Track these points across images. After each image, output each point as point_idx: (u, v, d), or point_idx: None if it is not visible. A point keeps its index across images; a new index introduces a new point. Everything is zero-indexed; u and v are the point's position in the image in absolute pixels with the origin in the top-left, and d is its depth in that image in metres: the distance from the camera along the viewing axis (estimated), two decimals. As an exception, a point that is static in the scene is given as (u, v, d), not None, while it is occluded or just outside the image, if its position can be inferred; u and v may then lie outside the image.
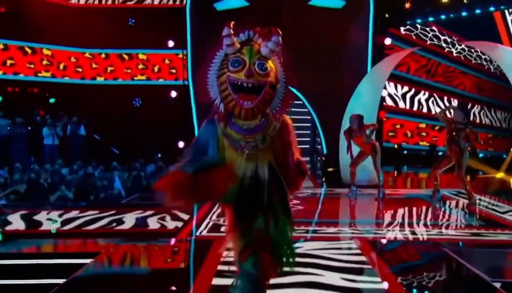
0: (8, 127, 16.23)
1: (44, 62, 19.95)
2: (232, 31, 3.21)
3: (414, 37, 19.21)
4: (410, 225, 9.58)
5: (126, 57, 21.05)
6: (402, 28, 19.26)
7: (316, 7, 17.23)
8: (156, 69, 21.09)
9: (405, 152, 19.84)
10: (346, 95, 14.51)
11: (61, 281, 5.61)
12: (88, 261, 6.48)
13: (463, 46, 18.72)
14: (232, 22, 3.31)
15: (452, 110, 12.22)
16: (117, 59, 21.06)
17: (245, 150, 3.22)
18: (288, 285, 4.87)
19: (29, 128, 16.71)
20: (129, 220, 9.37)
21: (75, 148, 16.99)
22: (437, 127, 19.70)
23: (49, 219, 9.58)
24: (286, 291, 4.87)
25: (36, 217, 9.58)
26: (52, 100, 18.98)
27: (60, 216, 9.74)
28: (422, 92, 20.04)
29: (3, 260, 6.68)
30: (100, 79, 20.90)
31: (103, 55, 20.85)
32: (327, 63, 16.22)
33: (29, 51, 19.75)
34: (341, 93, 14.78)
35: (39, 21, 19.20)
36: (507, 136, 19.94)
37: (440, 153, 17.55)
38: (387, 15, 18.33)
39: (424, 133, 20.32)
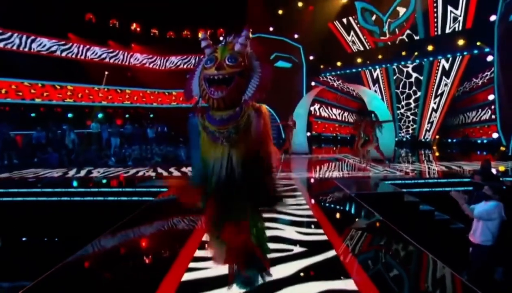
0: (132, 129, 15.59)
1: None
2: (207, 36, 2.02)
3: (335, 85, 18.63)
4: (321, 172, 9.15)
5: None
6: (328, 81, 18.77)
7: (278, 67, 16.79)
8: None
9: (323, 137, 19.14)
10: (292, 108, 13.52)
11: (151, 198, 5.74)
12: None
13: (339, 82, 18.28)
14: (209, 30, 2.29)
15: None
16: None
17: (219, 141, 1.91)
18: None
19: (141, 129, 15.91)
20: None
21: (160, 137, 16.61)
22: (337, 125, 19.52)
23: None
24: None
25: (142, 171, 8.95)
26: (152, 116, 18.76)
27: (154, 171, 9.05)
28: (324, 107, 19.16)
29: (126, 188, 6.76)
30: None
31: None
32: (284, 93, 14.78)
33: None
34: (289, 107, 13.74)
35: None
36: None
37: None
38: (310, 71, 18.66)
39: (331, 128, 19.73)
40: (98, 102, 17.40)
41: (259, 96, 1.96)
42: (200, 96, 1.98)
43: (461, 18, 13.65)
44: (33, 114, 14.65)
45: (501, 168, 8.79)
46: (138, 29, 18.78)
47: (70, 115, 15.77)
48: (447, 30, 14.22)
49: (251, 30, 1.94)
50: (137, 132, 16.04)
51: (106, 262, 3.51)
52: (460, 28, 13.72)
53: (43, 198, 6.36)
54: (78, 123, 15.00)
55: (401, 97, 16.56)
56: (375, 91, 17.11)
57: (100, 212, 5.65)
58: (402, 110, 16.70)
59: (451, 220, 5.75)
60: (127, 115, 17.62)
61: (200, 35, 2.41)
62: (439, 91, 15.32)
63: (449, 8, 13.89)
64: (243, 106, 1.94)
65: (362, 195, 5.96)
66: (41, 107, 15.51)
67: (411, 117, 16.54)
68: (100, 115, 16.02)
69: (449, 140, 15.35)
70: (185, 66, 19.87)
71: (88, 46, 17.05)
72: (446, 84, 14.98)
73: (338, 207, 5.63)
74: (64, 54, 16.39)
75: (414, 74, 15.72)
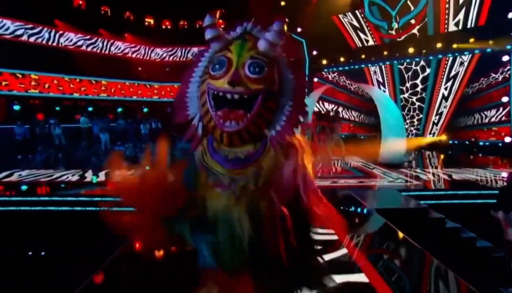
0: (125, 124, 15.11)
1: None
2: (216, 20, 1.28)
3: (329, 78, 18.16)
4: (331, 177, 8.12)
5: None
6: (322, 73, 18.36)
7: None
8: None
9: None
10: None
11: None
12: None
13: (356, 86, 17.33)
14: (218, 11, 0.95)
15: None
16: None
17: (230, 192, 1.22)
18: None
19: (134, 124, 15.42)
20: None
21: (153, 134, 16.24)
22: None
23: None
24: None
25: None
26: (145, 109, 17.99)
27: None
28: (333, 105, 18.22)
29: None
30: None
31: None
32: None
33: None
34: None
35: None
36: (361, 126, 17.70)
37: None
38: (313, 66, 18.27)
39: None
40: (69, 94, 15.63)
41: (292, 130, 1.30)
42: (200, 120, 1.29)
43: (474, 15, 13.01)
44: (17, 107, 13.76)
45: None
46: (131, 17, 17.84)
47: (57, 108, 14.95)
48: (457, 27, 13.55)
49: (287, 20, 1.29)
50: (130, 128, 15.18)
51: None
52: (473, 25, 13.17)
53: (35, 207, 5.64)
54: (66, 117, 14.27)
55: (406, 76, 14.32)
56: (375, 72, 16.31)
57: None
58: (406, 95, 14.50)
59: (476, 237, 5.56)
60: (119, 109, 16.88)
61: (206, 19, 1.24)
62: (452, 73, 13.44)
63: (461, 3, 13.24)
64: (267, 142, 1.28)
65: (382, 209, 5.48)
66: (27, 100, 14.22)
67: (417, 104, 14.34)
68: (90, 109, 15.27)
69: (455, 142, 14.90)
70: (170, 58, 18.79)
71: (61, 32, 15.26)
72: (462, 63, 13.29)
73: (357, 221, 5.30)
74: (32, 39, 14.47)
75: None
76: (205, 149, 1.30)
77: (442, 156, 12.96)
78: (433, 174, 9.15)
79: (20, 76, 14.11)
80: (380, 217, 5.19)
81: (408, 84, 14.79)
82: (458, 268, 3.56)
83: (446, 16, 13.81)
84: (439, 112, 14.28)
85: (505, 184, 6.33)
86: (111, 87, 17.22)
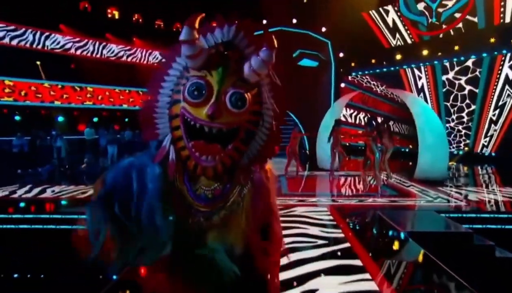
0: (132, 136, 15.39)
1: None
2: (196, 35, 1.19)
3: (356, 82, 18.30)
4: (357, 195, 8.28)
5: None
6: (350, 77, 18.55)
7: (302, 66, 16.78)
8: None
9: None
10: (320, 115, 12.98)
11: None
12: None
13: (383, 87, 17.30)
14: (200, 16, 1.22)
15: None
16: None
17: (194, 216, 1.29)
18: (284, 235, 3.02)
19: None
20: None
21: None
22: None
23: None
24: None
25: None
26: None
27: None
28: (361, 113, 18.63)
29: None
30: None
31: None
32: (309, 97, 15.22)
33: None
34: (314, 114, 13.51)
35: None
36: (406, 138, 17.43)
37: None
38: (341, 70, 18.17)
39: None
40: (49, 102, 15.30)
41: (265, 160, 1.40)
42: (172, 142, 1.26)
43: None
44: (17, 118, 14.40)
45: None
46: (140, 20, 18.53)
47: (60, 118, 15.53)
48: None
49: (276, 45, 1.21)
50: (138, 140, 15.50)
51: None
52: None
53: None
54: (69, 128, 14.81)
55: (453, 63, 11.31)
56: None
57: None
58: (451, 75, 11.11)
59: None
60: (126, 119, 17.36)
61: (183, 32, 1.18)
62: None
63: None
64: (236, 178, 1.34)
65: (416, 233, 5.23)
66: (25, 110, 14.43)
67: (468, 88, 10.65)
68: (95, 119, 15.77)
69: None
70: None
71: (47, 33, 15.16)
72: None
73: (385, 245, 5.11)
74: (14, 42, 14.36)
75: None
76: (181, 177, 1.31)
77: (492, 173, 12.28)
78: (480, 193, 8.68)
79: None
80: (414, 243, 4.94)
81: (452, 73, 11.89)
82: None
83: (502, 3, 11.81)
84: (499, 104, 10.56)
85: None
86: (98, 95, 16.97)
